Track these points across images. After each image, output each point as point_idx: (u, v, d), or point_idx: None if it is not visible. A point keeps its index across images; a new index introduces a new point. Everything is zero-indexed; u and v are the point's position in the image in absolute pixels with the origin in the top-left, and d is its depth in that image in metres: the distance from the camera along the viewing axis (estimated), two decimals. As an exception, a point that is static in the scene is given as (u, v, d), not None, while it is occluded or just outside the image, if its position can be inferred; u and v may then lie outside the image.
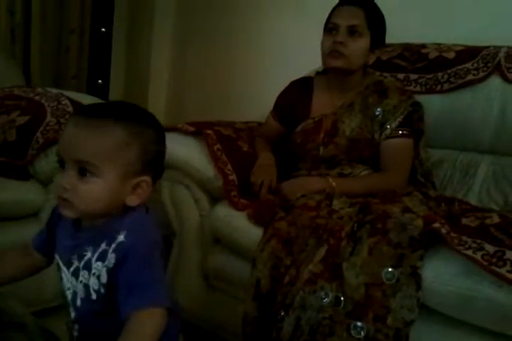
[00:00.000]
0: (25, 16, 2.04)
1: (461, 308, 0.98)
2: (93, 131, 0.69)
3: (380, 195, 1.25)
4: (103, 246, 0.72)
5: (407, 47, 1.61)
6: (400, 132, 1.37)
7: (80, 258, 0.74)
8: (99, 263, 0.71)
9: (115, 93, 2.35)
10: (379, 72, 1.57)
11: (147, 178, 0.73)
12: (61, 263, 0.78)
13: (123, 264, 0.69)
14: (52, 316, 1.17)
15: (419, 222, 1.07)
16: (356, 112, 1.41)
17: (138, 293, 0.69)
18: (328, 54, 1.37)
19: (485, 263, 0.93)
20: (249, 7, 2.13)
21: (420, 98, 1.46)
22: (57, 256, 0.79)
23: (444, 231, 1.02)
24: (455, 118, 1.50)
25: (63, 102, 1.49)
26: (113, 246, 0.71)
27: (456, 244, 0.98)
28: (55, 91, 1.57)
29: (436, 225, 1.04)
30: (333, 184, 1.30)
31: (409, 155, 1.39)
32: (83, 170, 0.70)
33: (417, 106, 1.41)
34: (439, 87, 1.51)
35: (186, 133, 1.41)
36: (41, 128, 1.41)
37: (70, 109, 1.47)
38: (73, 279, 0.75)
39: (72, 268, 0.75)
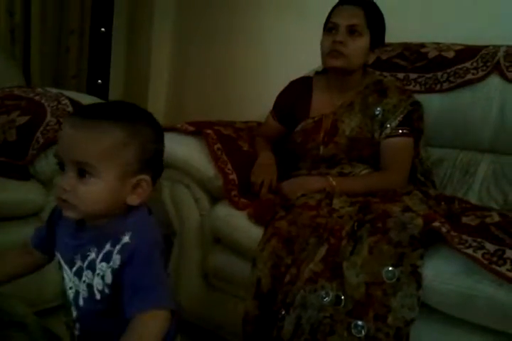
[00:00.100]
0: (24, 17, 2.03)
1: (462, 307, 0.98)
2: (90, 132, 0.69)
3: (380, 194, 1.25)
4: (108, 247, 0.72)
5: (406, 46, 1.62)
6: (400, 131, 1.37)
7: (84, 258, 0.74)
8: (104, 264, 0.72)
9: (115, 93, 2.35)
10: (379, 71, 1.58)
11: (147, 177, 0.74)
12: (63, 262, 0.78)
13: (128, 265, 0.70)
14: (53, 316, 1.17)
15: (420, 221, 1.07)
16: (356, 112, 1.41)
17: (142, 295, 0.69)
18: (327, 53, 1.37)
19: (485, 262, 0.93)
20: (249, 6, 2.13)
21: (420, 97, 1.46)
22: (58, 255, 0.79)
23: (444, 230, 1.02)
24: (455, 117, 1.50)
25: (63, 102, 1.49)
26: (118, 247, 0.71)
27: (456, 243, 0.98)
28: (55, 91, 1.57)
29: (437, 224, 1.04)
30: (333, 183, 1.30)
31: (409, 154, 1.39)
32: (82, 172, 0.70)
33: (417, 106, 1.42)
34: (438, 86, 1.52)
35: (186, 132, 1.41)
36: (41, 128, 1.41)
37: (70, 108, 1.47)
38: (76, 279, 0.75)
39: (74, 268, 0.75)
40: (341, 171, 1.39)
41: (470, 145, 1.51)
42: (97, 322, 0.76)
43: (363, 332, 0.98)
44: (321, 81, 1.49)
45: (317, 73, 1.54)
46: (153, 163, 0.75)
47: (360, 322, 0.99)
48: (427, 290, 1.00)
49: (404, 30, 1.60)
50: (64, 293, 0.79)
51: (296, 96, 1.50)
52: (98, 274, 0.72)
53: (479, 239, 0.97)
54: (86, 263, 0.74)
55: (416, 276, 1.00)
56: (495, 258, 0.93)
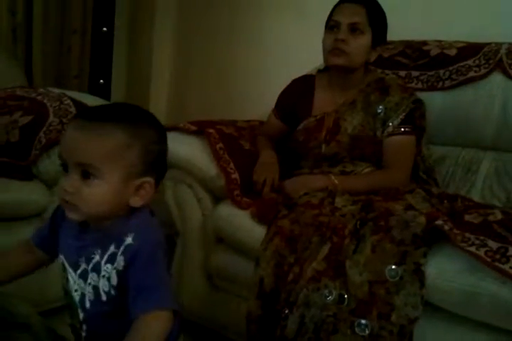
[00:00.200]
0: (26, 16, 2.03)
1: (465, 305, 0.98)
2: (94, 134, 0.70)
3: (383, 192, 1.25)
4: (112, 248, 0.72)
5: (408, 44, 1.61)
6: (402, 129, 1.37)
7: (88, 260, 0.74)
8: (109, 266, 0.72)
9: (117, 92, 2.35)
10: (380, 69, 1.57)
11: (150, 179, 0.74)
12: (67, 265, 0.78)
13: (132, 266, 0.70)
14: (57, 316, 1.17)
15: (422, 219, 1.07)
16: (358, 110, 1.40)
17: (145, 296, 0.69)
18: (329, 51, 1.37)
19: (488, 260, 0.93)
20: (250, 6, 2.12)
21: (422, 95, 1.46)
22: (62, 257, 0.79)
23: (447, 228, 1.02)
24: (457, 115, 1.50)
25: (65, 102, 1.49)
26: (121, 248, 0.71)
27: (459, 241, 0.98)
28: (57, 91, 1.57)
29: (439, 222, 1.04)
30: (336, 182, 1.30)
31: (412, 152, 1.39)
32: (86, 173, 0.70)
33: (419, 104, 1.41)
34: (440, 84, 1.51)
35: (188, 132, 1.41)
36: (44, 129, 1.42)
37: (73, 109, 1.47)
38: (81, 281, 0.75)
39: (79, 271, 0.75)
40: (343, 170, 1.39)
41: (472, 143, 1.51)
42: (103, 324, 0.76)
43: (367, 331, 0.99)
44: (323, 79, 1.49)
45: (319, 71, 1.53)
46: (156, 164, 0.75)
47: (363, 321, 0.99)
48: (430, 289, 1.00)
49: (406, 27, 1.60)
50: (67, 294, 0.79)
51: (298, 94, 1.50)
52: (104, 276, 0.72)
53: (482, 237, 0.97)
54: (91, 265, 0.74)
55: (419, 275, 1.00)
56: (498, 256, 0.93)
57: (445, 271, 1.00)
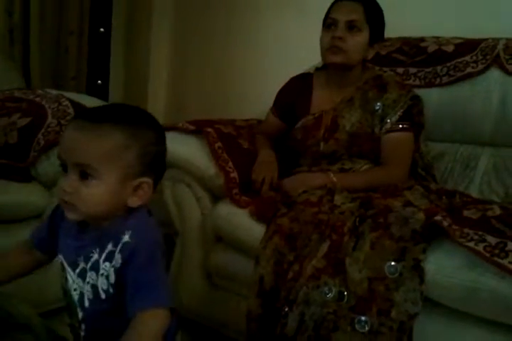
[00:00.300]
0: (23, 17, 2.03)
1: (465, 300, 0.98)
2: (92, 134, 0.70)
3: (382, 189, 1.25)
4: (109, 247, 0.73)
5: (405, 41, 1.61)
6: (400, 126, 1.37)
7: (87, 259, 0.75)
8: (107, 264, 0.73)
9: (115, 93, 2.35)
10: (378, 66, 1.57)
11: (148, 180, 0.74)
12: (66, 265, 0.78)
13: (129, 264, 0.71)
14: (57, 317, 1.18)
15: (421, 216, 1.07)
16: (356, 107, 1.41)
17: (143, 294, 0.70)
18: (327, 49, 1.37)
19: (487, 255, 0.93)
20: (248, 4, 2.12)
21: (419, 92, 1.46)
22: (61, 257, 0.80)
23: (445, 223, 1.02)
24: (455, 111, 1.50)
25: (64, 103, 1.49)
26: (119, 246, 0.72)
27: (458, 237, 0.98)
28: (55, 92, 1.57)
29: (438, 218, 1.04)
30: (334, 179, 1.30)
31: (410, 149, 1.39)
32: (84, 174, 0.71)
33: (417, 100, 1.41)
34: (438, 80, 1.51)
35: (187, 131, 1.41)
36: (42, 130, 1.42)
37: (71, 110, 1.47)
38: (80, 280, 0.76)
39: (78, 270, 0.76)
40: (342, 167, 1.39)
41: (470, 139, 1.51)
42: (102, 322, 0.77)
43: (367, 327, 0.99)
44: (321, 77, 1.49)
45: (317, 69, 1.53)
46: (155, 165, 0.76)
47: (363, 318, 0.99)
48: (429, 284, 1.00)
49: (403, 24, 1.59)
50: (66, 294, 0.80)
51: (296, 92, 1.50)
52: (102, 274, 0.73)
53: (481, 232, 0.97)
54: (89, 264, 0.74)
55: (418, 271, 1.01)
56: (497, 251, 0.93)
57: (444, 267, 1.00)
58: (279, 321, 1.06)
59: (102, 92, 2.27)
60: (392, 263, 1.02)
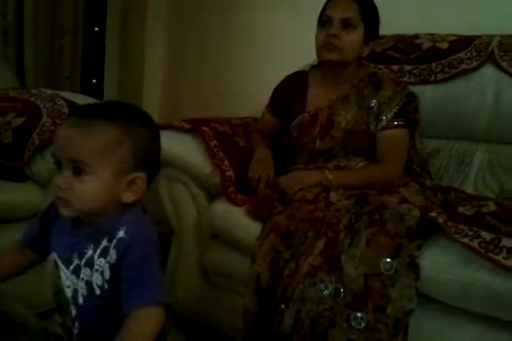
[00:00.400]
0: (17, 18, 2.02)
1: (460, 296, 0.98)
2: (85, 130, 0.71)
3: (377, 186, 1.25)
4: (104, 242, 0.73)
5: (400, 38, 1.61)
6: (396, 123, 1.37)
7: (81, 256, 0.75)
8: (102, 260, 0.73)
9: (110, 92, 2.35)
10: (373, 64, 1.57)
11: (142, 175, 0.75)
12: (59, 262, 0.78)
13: (124, 260, 0.71)
14: (53, 318, 1.17)
15: (416, 212, 1.07)
16: (351, 104, 1.41)
17: (138, 291, 0.70)
18: (322, 47, 1.37)
19: (482, 251, 0.94)
20: (242, 4, 2.12)
21: (414, 89, 1.46)
22: (54, 254, 0.80)
23: (440, 220, 1.02)
24: (450, 107, 1.50)
25: (58, 103, 1.49)
26: (114, 242, 0.72)
27: (453, 233, 0.99)
28: (49, 92, 1.57)
29: (433, 214, 1.05)
30: (330, 177, 1.31)
31: (405, 146, 1.39)
32: (78, 169, 0.71)
33: (412, 97, 1.42)
34: (433, 77, 1.52)
35: (182, 130, 1.41)
36: (37, 130, 1.42)
37: (66, 109, 1.47)
38: (73, 277, 0.76)
39: (72, 266, 0.76)
40: (338, 164, 1.39)
41: (465, 136, 1.51)
42: (96, 319, 0.77)
43: (363, 324, 0.99)
44: (316, 75, 1.49)
45: (312, 67, 1.54)
46: (148, 160, 0.76)
47: (359, 314, 0.99)
48: (425, 281, 1.00)
49: (397, 21, 1.60)
50: (58, 292, 0.80)
51: (291, 90, 1.50)
52: (97, 270, 0.73)
53: (475, 228, 0.98)
54: (84, 260, 0.75)
55: (414, 267, 1.01)
56: (491, 247, 0.93)
57: (439, 263, 1.00)
58: (276, 318, 1.06)
59: (96, 92, 2.27)
60: (388, 259, 1.02)
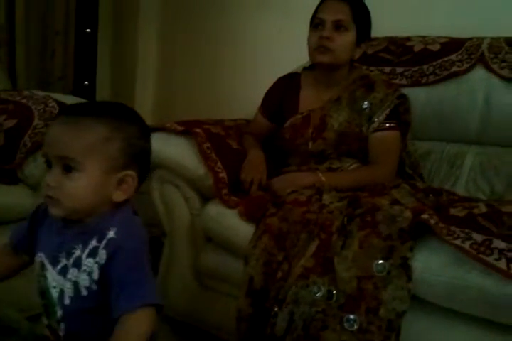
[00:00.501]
0: (8, 19, 2.01)
1: (452, 298, 0.99)
2: (74, 128, 0.71)
3: (369, 188, 1.25)
4: (93, 242, 0.73)
5: (392, 40, 1.62)
6: (387, 125, 1.38)
7: (69, 255, 0.74)
8: (91, 260, 0.72)
9: (102, 94, 2.34)
10: (365, 66, 1.58)
11: (132, 173, 0.75)
12: (46, 262, 0.77)
13: (114, 260, 0.71)
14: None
15: (408, 214, 1.07)
16: (344, 106, 1.41)
17: (128, 294, 0.70)
18: (314, 49, 1.37)
19: (473, 252, 0.94)
20: (235, 5, 2.12)
21: (406, 91, 1.46)
22: (41, 255, 0.79)
23: (432, 221, 1.03)
24: (441, 109, 1.51)
25: (50, 105, 1.48)
26: (104, 242, 0.72)
27: (444, 234, 0.99)
28: (41, 93, 1.56)
29: (425, 216, 1.05)
30: (323, 178, 1.31)
31: (397, 148, 1.40)
32: (68, 167, 0.71)
33: (404, 99, 1.42)
34: (424, 79, 1.53)
35: (175, 132, 1.41)
36: (29, 132, 1.41)
37: (57, 111, 1.46)
38: (60, 278, 0.75)
39: (59, 267, 0.75)
40: (330, 166, 1.40)
41: (456, 138, 1.52)
42: (82, 321, 0.76)
43: (356, 326, 0.99)
44: (308, 77, 1.49)
45: (305, 69, 1.54)
46: (138, 158, 0.76)
47: (352, 316, 1.00)
48: (417, 282, 1.01)
49: (389, 24, 1.60)
50: (44, 293, 0.79)
51: (284, 92, 1.50)
52: (85, 270, 0.73)
53: (467, 230, 0.98)
54: (71, 260, 0.74)
55: (406, 269, 1.01)
56: (482, 248, 0.94)
57: (431, 265, 1.01)
58: (269, 321, 1.06)
59: (88, 93, 2.26)
60: (380, 261, 1.02)
